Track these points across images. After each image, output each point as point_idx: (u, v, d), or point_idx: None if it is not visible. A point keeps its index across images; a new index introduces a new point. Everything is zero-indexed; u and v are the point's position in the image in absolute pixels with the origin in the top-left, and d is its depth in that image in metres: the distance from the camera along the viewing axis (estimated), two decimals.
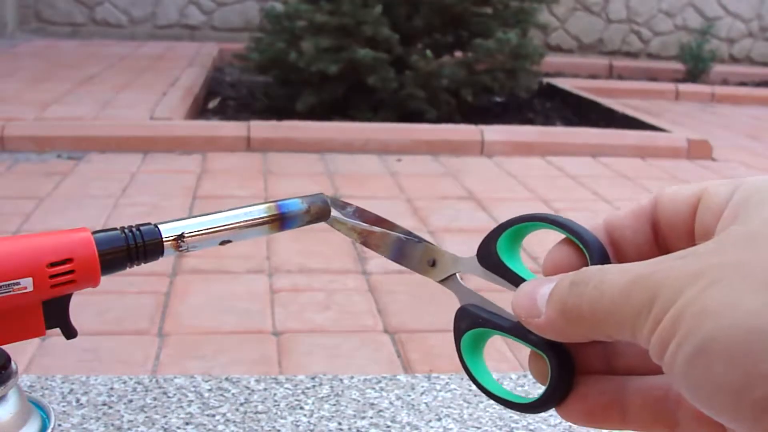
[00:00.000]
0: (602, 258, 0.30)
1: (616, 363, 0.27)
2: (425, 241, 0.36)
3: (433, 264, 0.36)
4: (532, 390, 0.67)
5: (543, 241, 0.32)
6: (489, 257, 0.33)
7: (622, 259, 0.31)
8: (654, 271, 0.26)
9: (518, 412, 0.33)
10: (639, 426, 0.30)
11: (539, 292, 0.29)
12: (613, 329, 0.27)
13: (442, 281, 0.36)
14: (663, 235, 0.31)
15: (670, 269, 0.25)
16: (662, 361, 0.25)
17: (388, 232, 0.37)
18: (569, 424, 0.62)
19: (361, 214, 0.38)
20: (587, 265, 0.30)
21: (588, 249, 0.30)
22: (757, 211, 0.26)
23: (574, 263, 0.31)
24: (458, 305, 0.34)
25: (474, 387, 0.55)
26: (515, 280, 0.33)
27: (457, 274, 0.35)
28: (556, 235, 0.32)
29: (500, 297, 0.34)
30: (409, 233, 0.37)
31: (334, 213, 0.38)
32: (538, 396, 0.31)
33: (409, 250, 0.37)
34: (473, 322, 0.33)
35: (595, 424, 0.31)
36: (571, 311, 0.28)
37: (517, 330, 0.30)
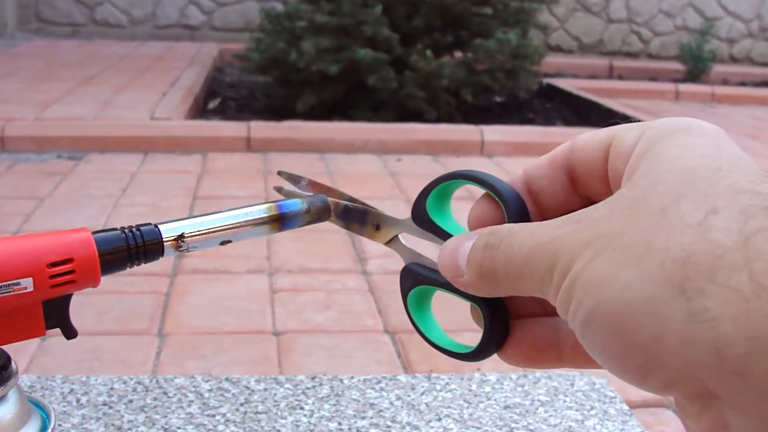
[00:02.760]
0: (518, 211, 0.31)
1: (549, 305, 0.27)
2: (369, 206, 0.38)
3: (378, 228, 0.38)
4: (532, 391, 0.67)
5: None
6: (421, 216, 0.35)
7: (541, 208, 0.32)
8: (553, 239, 0.27)
9: (462, 361, 0.34)
10: (574, 364, 0.32)
11: (460, 251, 0.30)
12: (525, 290, 0.28)
13: (387, 243, 0.38)
14: (580, 182, 0.31)
15: (565, 237, 0.26)
16: (569, 324, 0.26)
17: (338, 201, 0.38)
18: (569, 424, 0.62)
19: (314, 186, 0.40)
20: (506, 219, 0.31)
21: (504, 203, 0.32)
22: (648, 170, 0.26)
23: (494, 217, 0.32)
24: (402, 266, 0.36)
25: (475, 387, 0.56)
26: (445, 236, 0.34)
27: (399, 236, 0.37)
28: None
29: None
30: (353, 200, 0.39)
31: (290, 188, 0.40)
32: (476, 345, 0.33)
33: (356, 217, 0.38)
34: (415, 281, 0.35)
35: (534, 365, 0.33)
36: (488, 274, 0.29)
37: (451, 285, 0.32)
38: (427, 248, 0.36)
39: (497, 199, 0.32)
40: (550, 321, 0.32)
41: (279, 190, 0.40)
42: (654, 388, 0.24)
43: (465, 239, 0.31)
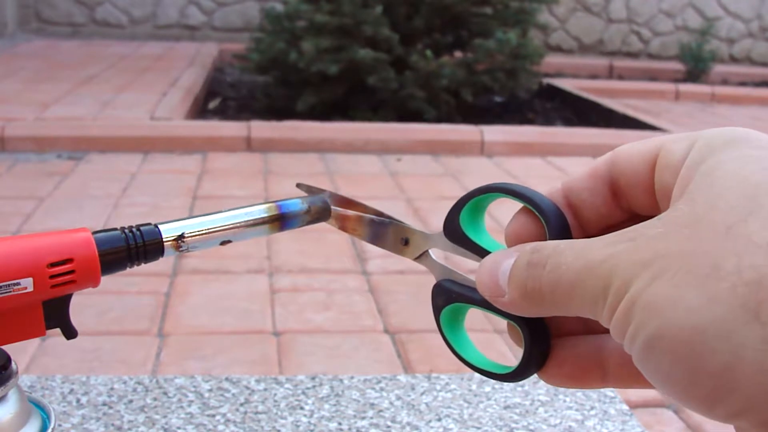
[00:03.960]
0: (558, 226, 0.30)
1: (593, 323, 0.27)
2: (395, 220, 0.37)
3: (406, 243, 0.37)
4: (532, 391, 0.67)
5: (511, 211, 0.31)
6: (454, 231, 0.34)
7: (581, 222, 0.31)
8: (605, 258, 0.26)
9: (500, 382, 0.33)
10: (619, 384, 0.30)
11: (500, 269, 0.29)
12: (573, 311, 0.27)
13: (416, 259, 0.36)
14: (622, 194, 0.30)
15: (619, 256, 0.25)
16: (624, 347, 0.25)
17: (362, 215, 0.37)
18: (570, 424, 0.62)
19: (336, 199, 0.38)
20: (546, 234, 0.30)
21: (544, 217, 0.30)
22: (705, 185, 0.25)
23: (533, 232, 0.31)
24: (434, 283, 0.35)
25: (475, 387, 0.56)
26: (480, 251, 0.33)
27: (430, 251, 0.36)
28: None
29: (473, 269, 0.35)
30: (380, 214, 0.37)
31: None
32: (515, 366, 0.32)
33: (383, 232, 0.37)
34: (448, 298, 0.34)
35: (577, 385, 0.32)
36: (532, 294, 0.28)
37: (489, 303, 0.31)
38: (459, 264, 0.34)
39: (537, 213, 0.31)
40: (593, 339, 0.31)
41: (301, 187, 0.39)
42: (722, 417, 0.24)
43: (505, 256, 0.29)
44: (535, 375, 0.32)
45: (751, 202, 0.24)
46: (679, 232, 0.25)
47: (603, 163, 0.30)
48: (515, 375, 0.32)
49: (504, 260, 0.29)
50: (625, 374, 0.30)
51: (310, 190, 0.39)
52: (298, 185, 0.40)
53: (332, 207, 0.38)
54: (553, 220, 0.30)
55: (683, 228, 0.25)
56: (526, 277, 0.28)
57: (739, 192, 0.24)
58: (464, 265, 0.35)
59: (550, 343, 0.31)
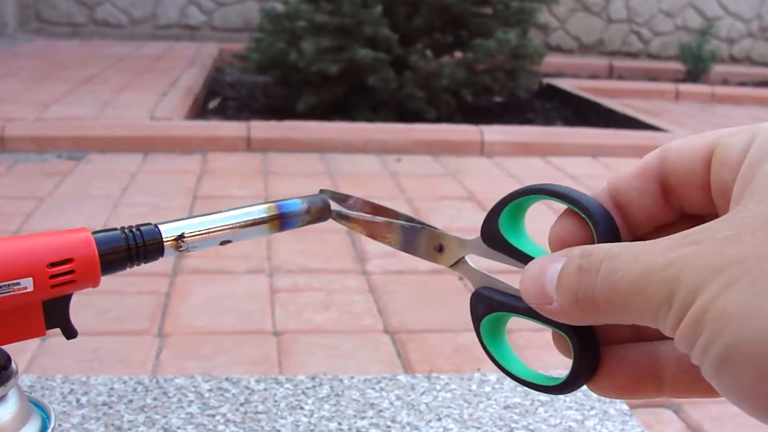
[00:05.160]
0: (607, 227, 0.29)
1: (645, 329, 0.26)
2: (428, 226, 0.35)
3: (440, 249, 0.35)
4: (531, 390, 0.67)
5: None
6: (493, 236, 0.32)
7: (629, 223, 0.29)
8: (669, 263, 0.24)
9: (548, 394, 0.32)
10: (677, 393, 0.29)
11: (546, 275, 0.28)
12: (632, 319, 0.25)
13: (452, 266, 0.35)
14: (674, 193, 0.29)
15: (685, 262, 0.24)
16: (691, 358, 0.24)
17: (392, 221, 0.36)
18: (570, 424, 0.62)
19: (362, 206, 0.37)
20: (593, 237, 0.29)
21: (591, 219, 0.29)
22: None
23: (579, 236, 0.29)
24: (472, 291, 0.33)
25: (475, 387, 0.55)
26: (522, 257, 0.31)
27: (466, 257, 0.34)
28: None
29: (513, 276, 0.33)
30: (411, 219, 0.36)
31: (336, 207, 0.38)
32: (564, 377, 0.30)
33: (415, 238, 0.35)
34: (489, 307, 0.32)
35: (630, 395, 0.30)
36: (585, 301, 0.26)
37: (533, 311, 0.29)
38: (498, 271, 0.33)
39: (583, 215, 0.29)
40: (646, 347, 0.29)
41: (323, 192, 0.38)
42: None
43: (551, 262, 0.28)
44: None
45: None
46: (752, 234, 0.23)
47: (653, 160, 0.29)
48: (564, 387, 0.30)
49: (551, 265, 0.28)
50: (684, 384, 0.28)
51: (336, 197, 0.38)
52: (322, 191, 0.38)
53: (357, 213, 0.37)
54: (601, 222, 0.29)
55: (756, 230, 0.23)
56: (578, 283, 0.26)
57: None
58: (506, 273, 0.33)
59: (600, 352, 0.30)
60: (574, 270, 0.27)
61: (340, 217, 0.37)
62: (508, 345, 0.33)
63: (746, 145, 0.26)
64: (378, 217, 0.36)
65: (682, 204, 0.29)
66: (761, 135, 0.26)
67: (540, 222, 0.31)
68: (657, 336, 0.25)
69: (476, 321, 0.33)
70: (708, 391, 0.25)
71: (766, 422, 0.23)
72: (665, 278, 0.24)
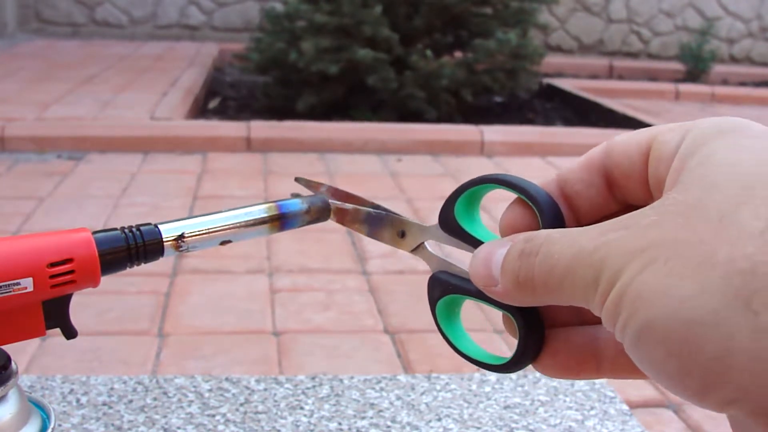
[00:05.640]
0: (552, 216, 0.30)
1: (587, 313, 0.27)
2: (392, 213, 0.37)
3: (403, 235, 0.37)
4: (532, 391, 0.67)
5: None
6: (449, 223, 0.34)
7: (576, 213, 0.31)
8: (597, 246, 0.25)
9: (496, 372, 0.33)
10: (614, 374, 0.30)
11: (493, 259, 0.29)
12: (566, 300, 0.27)
13: (413, 251, 0.36)
14: (617, 185, 0.30)
15: (611, 245, 0.25)
16: (616, 336, 0.25)
17: (359, 208, 0.37)
18: (569, 424, 0.62)
19: (334, 193, 0.38)
20: (539, 225, 0.30)
21: (538, 208, 0.30)
22: (699, 174, 0.25)
23: (527, 223, 0.31)
24: (430, 275, 0.35)
25: (475, 387, 0.56)
26: (475, 243, 0.33)
27: (426, 243, 0.36)
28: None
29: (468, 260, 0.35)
30: (377, 207, 0.37)
31: (308, 195, 0.39)
32: (510, 357, 0.32)
33: (380, 224, 0.37)
34: (444, 290, 0.34)
35: (571, 375, 0.32)
36: (525, 283, 0.28)
37: (483, 294, 0.30)
38: (455, 256, 0.34)
39: (531, 203, 0.31)
40: (588, 330, 0.31)
41: (296, 196, 0.39)
42: (714, 406, 0.24)
43: (498, 246, 0.29)
44: (532, 367, 0.32)
45: (744, 191, 0.24)
46: (672, 220, 0.24)
47: (598, 153, 0.30)
48: (510, 366, 0.32)
49: (497, 250, 0.29)
50: (620, 365, 0.30)
51: (309, 184, 0.39)
52: (297, 179, 0.40)
53: (330, 200, 0.38)
54: (546, 211, 0.30)
55: (676, 216, 0.24)
56: (519, 267, 0.28)
57: (732, 181, 0.24)
58: (461, 257, 0.35)
59: (545, 333, 0.31)
60: (516, 254, 0.28)
61: None
62: (462, 326, 0.35)
63: (680, 141, 0.27)
64: (347, 204, 0.38)
65: (625, 195, 0.30)
66: (693, 132, 0.27)
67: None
68: (598, 320, 0.26)
69: (432, 303, 0.34)
70: (641, 372, 0.26)
71: (678, 395, 0.24)
72: (593, 261, 0.25)
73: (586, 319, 0.31)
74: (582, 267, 0.26)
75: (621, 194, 0.30)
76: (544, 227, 0.30)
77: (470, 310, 2.02)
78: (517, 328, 0.31)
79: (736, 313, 0.22)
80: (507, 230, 0.31)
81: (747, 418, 0.23)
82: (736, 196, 0.24)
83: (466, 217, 0.34)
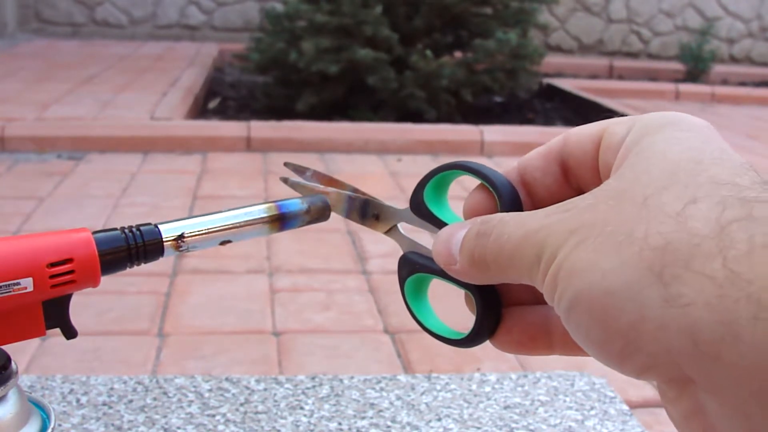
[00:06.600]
0: (510, 201, 0.32)
1: (540, 294, 0.28)
2: (369, 197, 0.39)
3: (377, 218, 0.39)
4: (532, 391, 0.67)
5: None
6: (418, 207, 0.36)
7: (534, 199, 0.33)
8: (541, 227, 0.27)
9: (455, 347, 0.35)
10: (564, 351, 0.32)
11: (453, 240, 0.31)
12: (515, 277, 0.29)
13: (386, 232, 0.38)
14: (572, 173, 0.32)
15: (552, 226, 0.27)
16: (555, 310, 0.27)
17: (339, 191, 0.39)
18: (569, 424, 0.62)
19: (318, 177, 0.40)
20: (498, 209, 0.32)
21: (497, 193, 0.32)
22: (634, 162, 0.27)
23: (488, 207, 0.33)
24: (400, 255, 0.37)
25: (475, 387, 0.56)
26: (441, 225, 0.35)
27: (398, 225, 0.38)
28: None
29: None
30: (355, 190, 0.39)
31: (296, 179, 0.40)
32: (468, 331, 0.34)
33: (357, 207, 0.39)
34: (412, 269, 0.36)
35: (525, 351, 0.33)
36: (479, 262, 0.30)
37: (446, 273, 0.32)
38: (424, 238, 0.36)
39: (491, 189, 0.33)
40: (541, 309, 0.33)
41: (285, 180, 0.40)
42: (633, 373, 0.25)
43: (459, 228, 0.31)
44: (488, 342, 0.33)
45: (669, 177, 0.26)
46: (605, 203, 0.26)
47: (555, 143, 0.32)
48: (468, 340, 0.34)
49: (457, 231, 0.31)
50: (569, 342, 0.31)
51: (297, 169, 0.41)
52: (286, 164, 0.41)
53: (312, 183, 0.40)
54: (505, 196, 0.32)
55: (609, 199, 0.26)
56: (474, 246, 0.30)
57: (660, 168, 0.26)
58: (430, 240, 0.36)
59: (501, 311, 0.33)
60: (473, 235, 0.30)
61: (299, 186, 0.40)
62: (428, 303, 0.37)
63: (626, 133, 0.29)
64: (329, 188, 0.40)
65: (579, 183, 0.32)
66: (638, 124, 0.29)
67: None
68: None
69: (401, 281, 0.37)
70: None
71: (603, 363, 0.26)
72: (536, 241, 0.27)
73: (539, 298, 0.32)
74: (527, 246, 0.28)
75: (576, 181, 0.32)
76: (502, 211, 0.32)
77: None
78: (475, 305, 0.33)
79: (648, 285, 0.24)
80: (469, 214, 0.34)
81: (663, 385, 0.25)
82: (660, 181, 0.26)
83: (435, 202, 0.36)
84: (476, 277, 0.31)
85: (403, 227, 0.38)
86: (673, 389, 0.25)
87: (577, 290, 0.25)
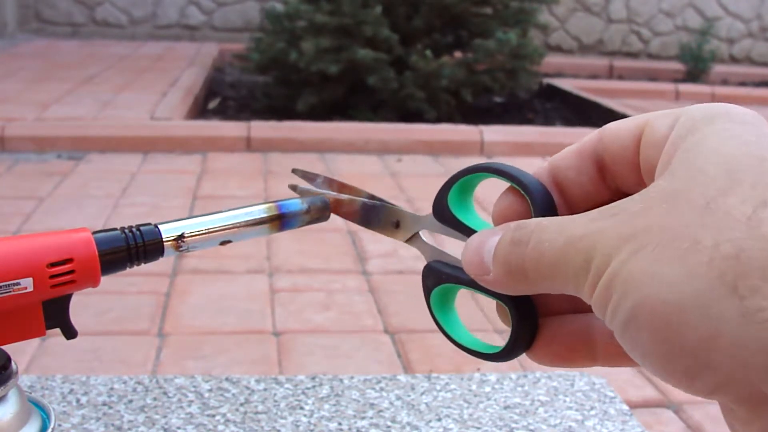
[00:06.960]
0: (544, 204, 0.30)
1: (580, 302, 0.26)
2: (387, 203, 0.37)
3: (397, 225, 0.37)
4: (532, 391, 0.67)
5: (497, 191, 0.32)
6: (442, 212, 0.34)
7: (568, 201, 0.31)
8: (586, 233, 0.25)
9: (490, 361, 0.33)
10: (608, 363, 0.30)
11: (485, 248, 0.29)
12: (557, 287, 0.27)
13: (407, 241, 0.36)
14: (609, 172, 0.30)
15: (600, 232, 0.25)
16: (605, 322, 0.25)
17: (354, 198, 0.37)
18: (569, 424, 0.62)
19: (329, 184, 0.39)
20: (531, 213, 0.30)
21: (529, 196, 0.30)
22: (686, 160, 0.25)
23: (520, 211, 0.31)
24: (424, 264, 0.35)
25: (475, 387, 0.55)
26: (468, 232, 0.33)
27: (420, 232, 0.36)
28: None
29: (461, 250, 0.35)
30: (372, 197, 0.38)
31: (306, 186, 0.39)
32: (504, 345, 0.31)
33: (374, 214, 0.37)
34: (438, 279, 0.34)
35: (565, 364, 0.31)
36: (516, 271, 0.28)
37: (476, 283, 0.30)
38: (449, 245, 0.34)
39: (522, 192, 0.31)
40: (581, 318, 0.31)
41: (294, 188, 0.39)
42: (701, 392, 0.23)
43: (490, 235, 0.29)
44: (527, 356, 0.32)
45: (730, 177, 0.24)
46: (659, 206, 0.24)
47: (590, 140, 0.30)
48: (503, 354, 0.32)
49: (489, 238, 0.29)
50: (613, 353, 0.29)
51: (306, 175, 0.39)
52: (294, 170, 0.40)
53: (324, 191, 0.38)
54: (538, 199, 0.30)
55: (663, 203, 0.24)
56: (510, 254, 0.28)
57: (718, 167, 0.24)
58: (455, 246, 0.35)
59: (538, 322, 0.31)
60: (508, 242, 0.28)
61: (310, 194, 0.39)
62: (456, 315, 0.35)
63: (671, 127, 0.27)
64: (342, 195, 0.38)
65: (617, 182, 0.30)
66: (683, 117, 0.27)
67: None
68: (591, 308, 0.26)
69: (427, 292, 0.34)
70: (633, 360, 0.26)
71: (665, 381, 0.24)
72: (583, 248, 0.25)
73: (579, 307, 0.31)
74: (572, 254, 0.26)
75: (613, 181, 0.30)
76: (536, 215, 0.30)
77: (472, 309, 2.02)
78: (510, 317, 0.31)
79: (721, 298, 0.22)
80: (499, 219, 0.31)
81: (734, 405, 0.23)
82: (721, 181, 0.24)
83: (460, 207, 0.34)
84: (512, 287, 0.28)
85: (425, 235, 0.36)
86: (746, 409, 0.23)
87: (636, 302, 0.23)
